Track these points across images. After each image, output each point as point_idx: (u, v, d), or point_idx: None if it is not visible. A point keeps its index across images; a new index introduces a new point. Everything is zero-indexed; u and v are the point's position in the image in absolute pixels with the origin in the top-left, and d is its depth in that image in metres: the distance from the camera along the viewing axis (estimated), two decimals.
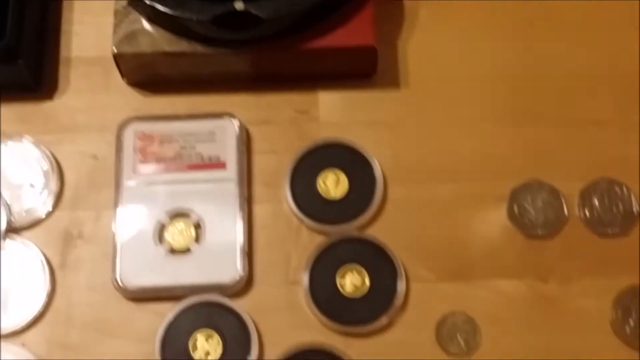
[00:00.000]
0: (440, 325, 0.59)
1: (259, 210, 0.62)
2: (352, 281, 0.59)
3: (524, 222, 0.61)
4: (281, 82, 0.64)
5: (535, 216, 0.61)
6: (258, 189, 0.63)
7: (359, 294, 0.59)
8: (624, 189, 0.61)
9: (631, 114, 0.63)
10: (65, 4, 0.66)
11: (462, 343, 0.58)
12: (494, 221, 0.61)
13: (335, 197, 0.61)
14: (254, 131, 0.64)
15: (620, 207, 0.61)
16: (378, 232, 0.61)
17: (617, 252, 0.60)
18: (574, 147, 0.63)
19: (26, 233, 0.61)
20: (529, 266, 0.60)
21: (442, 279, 0.60)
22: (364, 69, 0.64)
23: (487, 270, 0.60)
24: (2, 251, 0.59)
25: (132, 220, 0.60)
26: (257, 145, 0.63)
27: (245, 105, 0.64)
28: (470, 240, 0.61)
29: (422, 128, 0.63)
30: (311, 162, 0.62)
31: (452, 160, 0.63)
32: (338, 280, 0.59)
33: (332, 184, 0.62)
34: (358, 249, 0.60)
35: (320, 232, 0.61)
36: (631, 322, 0.58)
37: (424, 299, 0.60)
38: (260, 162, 0.63)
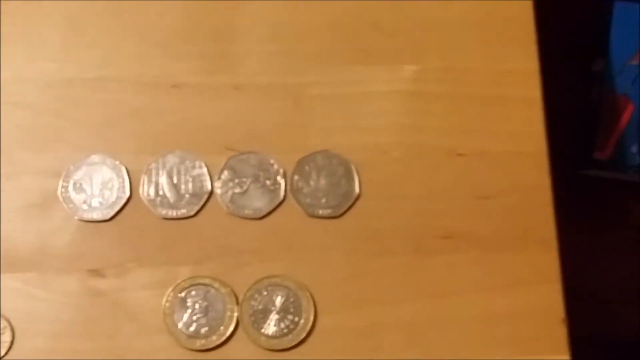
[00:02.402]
0: None
1: None
2: None
3: (80, 205, 0.53)
4: None
5: (90, 195, 0.53)
6: None
7: None
8: (198, 164, 0.54)
9: (212, 75, 0.55)
10: None
11: None
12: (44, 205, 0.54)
13: None
14: None
15: (190, 185, 0.54)
16: None
17: (182, 236, 0.53)
18: (143, 116, 0.55)
19: None
20: (82, 258, 0.53)
21: None
22: None
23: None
24: None
25: None
26: None
27: None
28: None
29: None
30: None
31: None
32: None
33: None
34: None
35: None
36: (186, 317, 0.52)
37: None
38: None
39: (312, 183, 0.54)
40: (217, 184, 0.54)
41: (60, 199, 0.53)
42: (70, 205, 0.53)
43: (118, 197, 0.53)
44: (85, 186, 0.53)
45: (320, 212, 0.53)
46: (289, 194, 0.53)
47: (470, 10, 0.56)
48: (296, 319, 0.52)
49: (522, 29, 0.56)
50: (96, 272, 0.52)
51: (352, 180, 0.53)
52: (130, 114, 0.54)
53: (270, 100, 0.55)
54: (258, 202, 0.53)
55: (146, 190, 0.53)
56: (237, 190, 0.54)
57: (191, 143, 0.54)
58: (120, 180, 0.53)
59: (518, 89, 0.55)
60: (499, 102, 0.55)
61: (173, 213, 0.53)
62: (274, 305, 0.52)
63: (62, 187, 0.53)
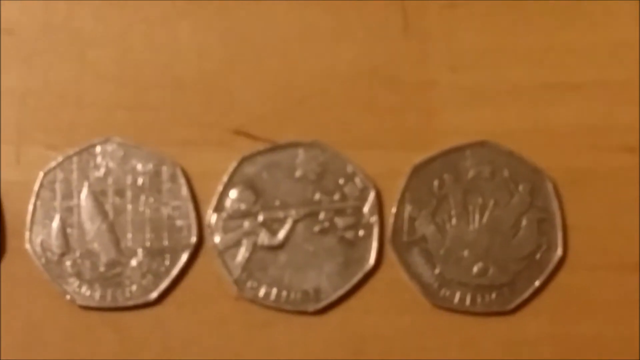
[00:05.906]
0: None
1: None
2: None
3: None
4: None
5: None
6: None
7: None
8: (167, 171, 0.23)
9: None
10: None
11: None
12: None
13: None
14: None
15: (147, 225, 0.23)
16: None
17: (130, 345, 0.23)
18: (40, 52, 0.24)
19: None
20: None
21: None
22: None
23: None
24: None
25: None
26: None
27: None
28: None
29: None
30: None
31: None
32: None
33: None
34: None
35: None
36: None
37: None
38: None
39: (448, 225, 0.23)
40: (215, 223, 0.23)
41: None
42: None
43: None
44: None
45: (468, 297, 0.23)
46: (389, 251, 0.23)
47: None
48: None
49: None
50: None
51: (550, 220, 0.23)
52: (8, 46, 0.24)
53: (345, 17, 0.24)
54: (314, 270, 0.23)
55: (40, 236, 0.23)
56: (264, 239, 0.23)
57: (150, 118, 0.23)
58: None
59: None
60: None
61: (104, 295, 0.23)
62: None
63: None
